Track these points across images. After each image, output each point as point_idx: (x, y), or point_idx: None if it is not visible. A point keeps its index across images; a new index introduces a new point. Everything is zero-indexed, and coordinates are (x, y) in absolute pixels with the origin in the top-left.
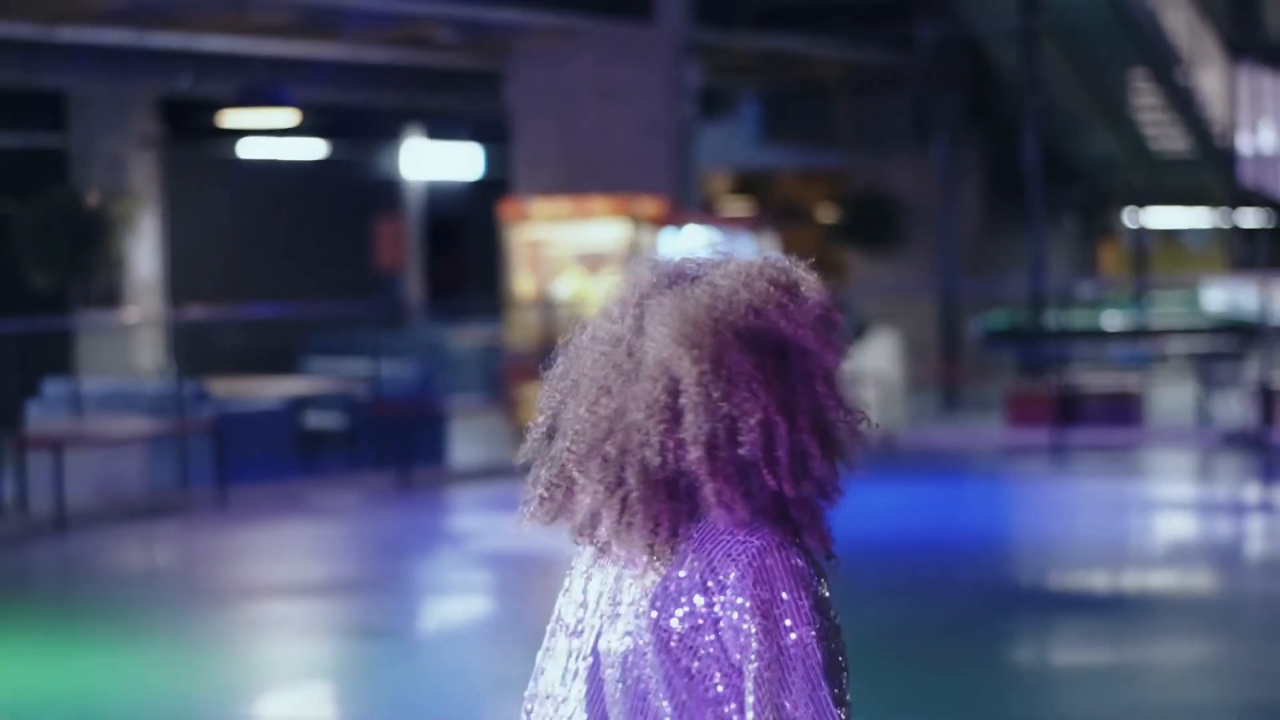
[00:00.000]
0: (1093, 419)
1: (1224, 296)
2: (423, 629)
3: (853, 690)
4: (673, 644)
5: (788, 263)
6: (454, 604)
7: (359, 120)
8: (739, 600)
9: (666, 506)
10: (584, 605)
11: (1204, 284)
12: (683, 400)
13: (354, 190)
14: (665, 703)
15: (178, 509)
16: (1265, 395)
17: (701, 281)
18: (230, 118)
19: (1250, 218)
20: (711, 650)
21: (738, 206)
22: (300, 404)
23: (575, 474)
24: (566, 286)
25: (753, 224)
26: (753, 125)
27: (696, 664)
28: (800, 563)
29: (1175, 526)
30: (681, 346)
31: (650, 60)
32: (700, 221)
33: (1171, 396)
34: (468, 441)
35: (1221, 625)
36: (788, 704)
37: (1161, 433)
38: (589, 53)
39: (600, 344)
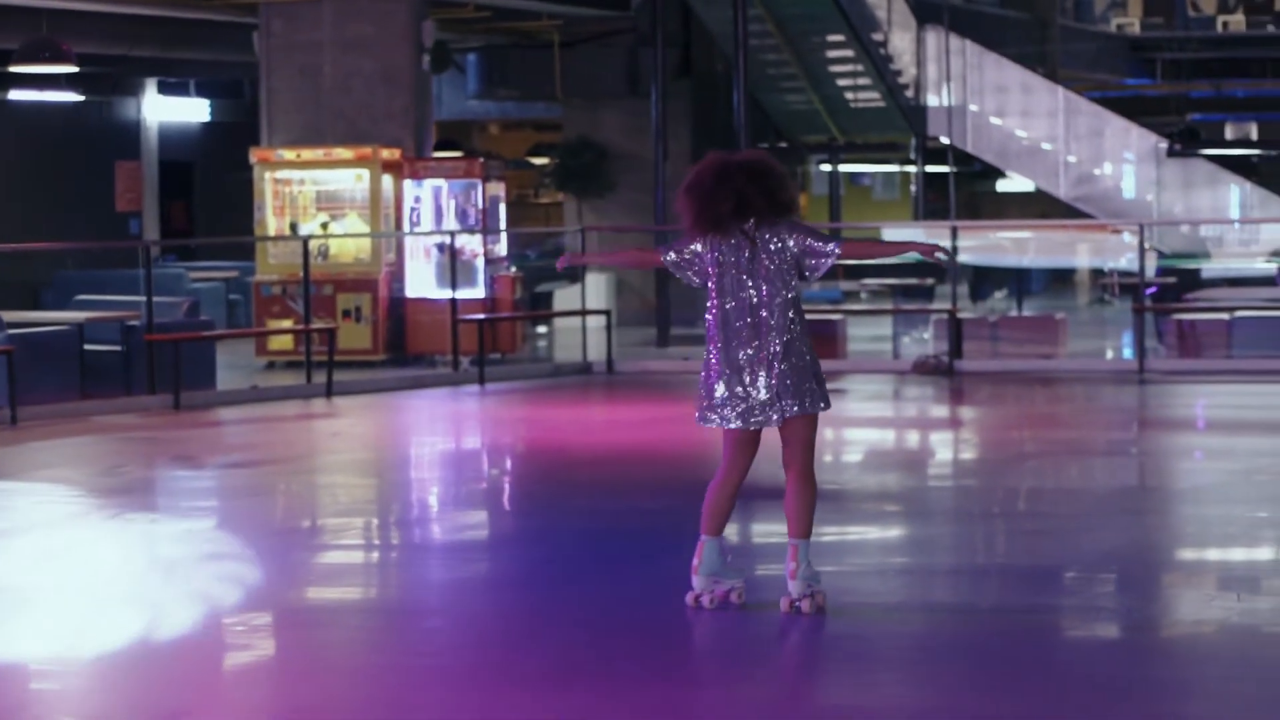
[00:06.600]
0: None
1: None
2: (190, 518)
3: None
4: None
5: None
6: (221, 500)
7: (109, 69)
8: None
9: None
10: (732, 251)
11: (892, 227)
12: (779, 197)
13: (98, 136)
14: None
15: None
16: (953, 326)
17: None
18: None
19: (937, 168)
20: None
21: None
22: (82, 332)
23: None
24: (311, 227)
25: (483, 170)
26: (466, 78)
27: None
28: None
29: (873, 438)
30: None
31: (389, 16)
32: (435, 170)
33: (869, 329)
34: (221, 369)
35: (915, 512)
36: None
37: (860, 361)
38: (332, 8)
39: (730, 183)
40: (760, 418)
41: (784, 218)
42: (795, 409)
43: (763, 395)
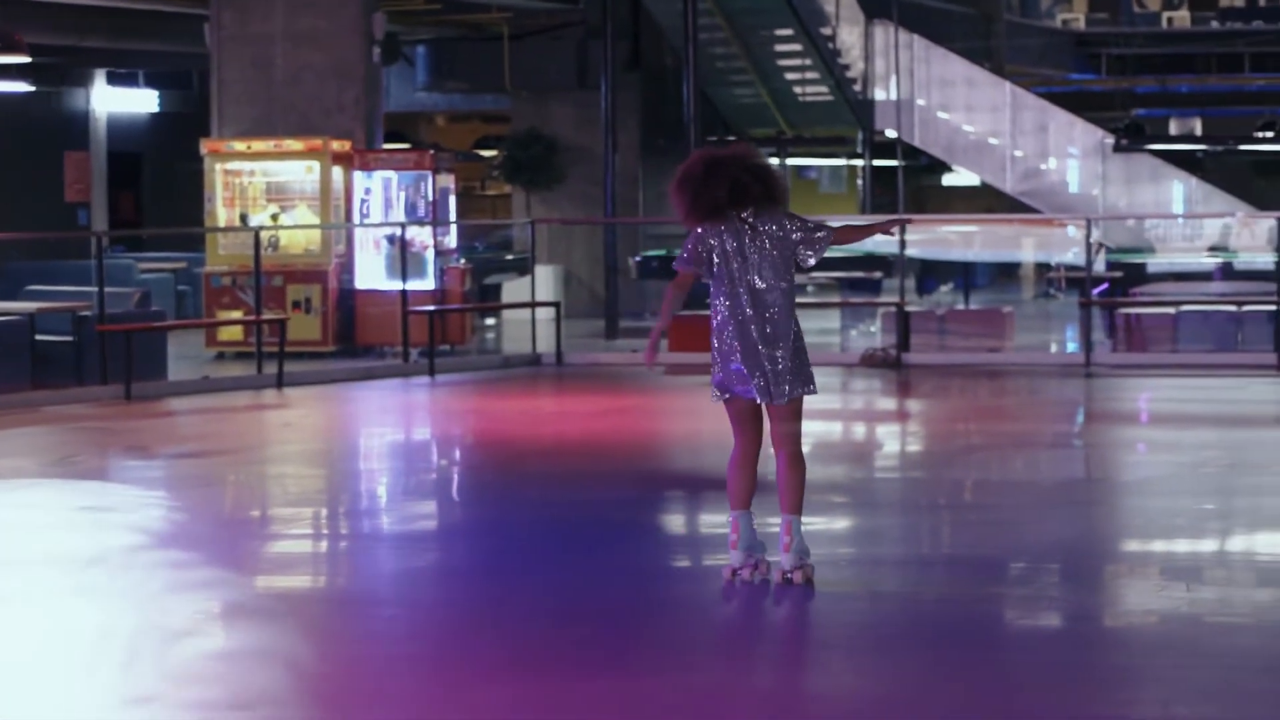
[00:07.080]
0: None
1: None
2: (143, 508)
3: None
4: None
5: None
6: (173, 490)
7: (58, 59)
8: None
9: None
10: (733, 238)
11: (839, 220)
12: (774, 185)
13: (47, 126)
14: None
15: None
16: (901, 319)
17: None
18: None
19: (885, 162)
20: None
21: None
22: (33, 322)
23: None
24: (261, 218)
25: (433, 162)
26: (414, 70)
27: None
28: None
29: (821, 430)
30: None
31: (340, 9)
32: (385, 162)
33: (817, 322)
34: (170, 359)
35: (863, 504)
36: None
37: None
38: (282, 1)
39: (723, 172)
40: (771, 394)
41: (779, 206)
42: (795, 391)
43: (778, 369)
